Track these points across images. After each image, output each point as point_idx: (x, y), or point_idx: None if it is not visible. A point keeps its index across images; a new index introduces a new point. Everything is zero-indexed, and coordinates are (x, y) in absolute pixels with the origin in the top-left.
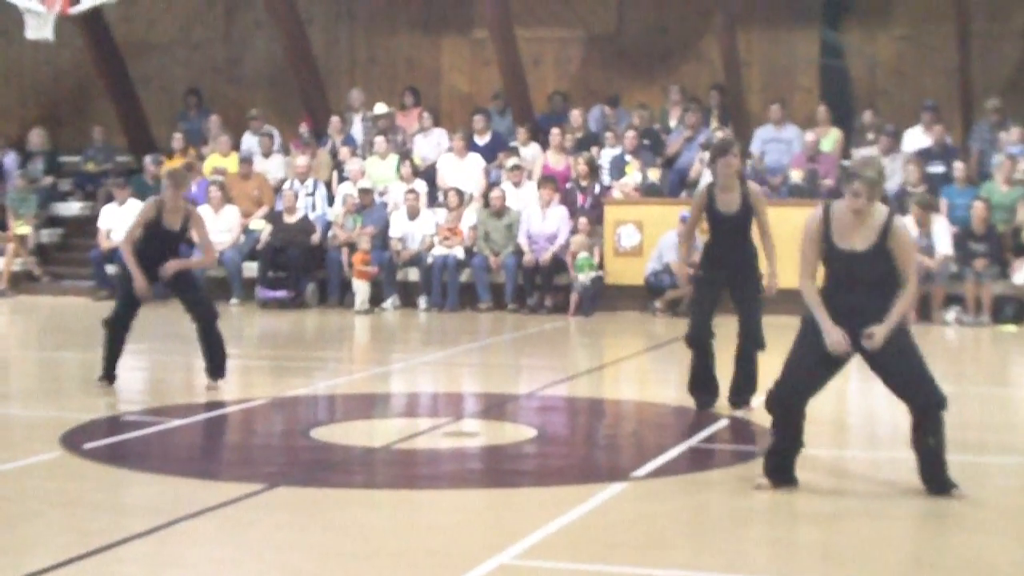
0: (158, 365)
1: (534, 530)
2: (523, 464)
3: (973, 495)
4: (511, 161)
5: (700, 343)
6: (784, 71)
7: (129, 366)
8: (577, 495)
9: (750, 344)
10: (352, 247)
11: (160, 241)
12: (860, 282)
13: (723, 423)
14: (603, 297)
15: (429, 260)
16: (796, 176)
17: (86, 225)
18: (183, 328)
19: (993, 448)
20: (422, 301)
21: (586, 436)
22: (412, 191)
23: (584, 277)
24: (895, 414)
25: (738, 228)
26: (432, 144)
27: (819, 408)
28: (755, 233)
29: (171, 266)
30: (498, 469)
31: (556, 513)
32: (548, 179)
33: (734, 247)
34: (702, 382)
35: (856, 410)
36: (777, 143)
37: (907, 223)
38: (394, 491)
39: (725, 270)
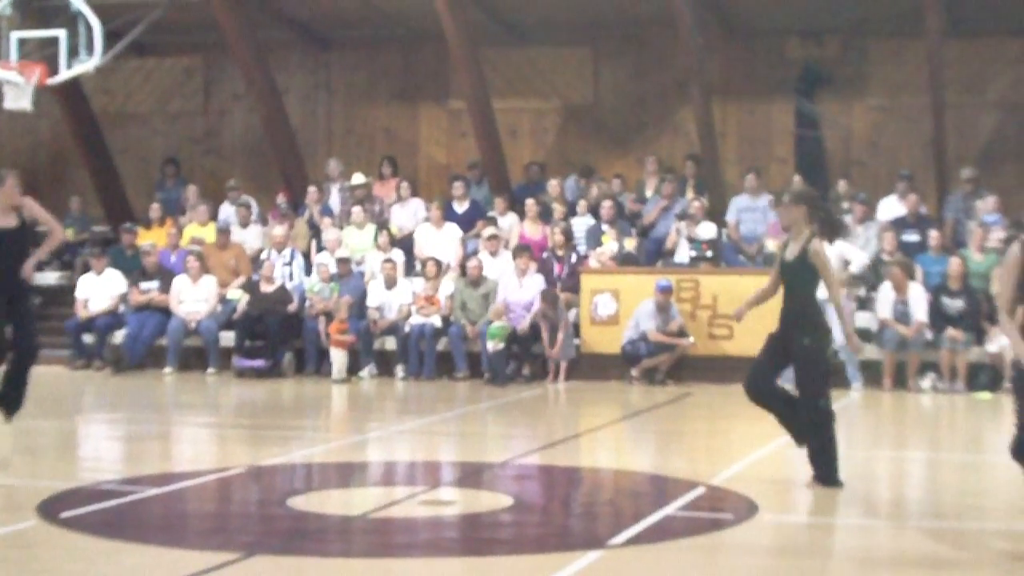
0: (134, 434)
1: None
2: (500, 532)
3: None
4: (488, 231)
5: (749, 394)
6: (760, 142)
7: (106, 435)
8: (554, 563)
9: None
10: (329, 316)
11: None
12: None
13: (699, 491)
14: (579, 366)
15: (406, 329)
16: (772, 245)
17: (63, 295)
18: (158, 398)
19: (971, 514)
20: (399, 370)
21: (563, 504)
22: (389, 260)
23: (492, 345)
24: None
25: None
26: (409, 214)
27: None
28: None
29: (29, 267)
30: (475, 537)
31: None
32: (524, 248)
33: (787, 298)
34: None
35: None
36: (752, 212)
37: (884, 289)
38: (371, 560)
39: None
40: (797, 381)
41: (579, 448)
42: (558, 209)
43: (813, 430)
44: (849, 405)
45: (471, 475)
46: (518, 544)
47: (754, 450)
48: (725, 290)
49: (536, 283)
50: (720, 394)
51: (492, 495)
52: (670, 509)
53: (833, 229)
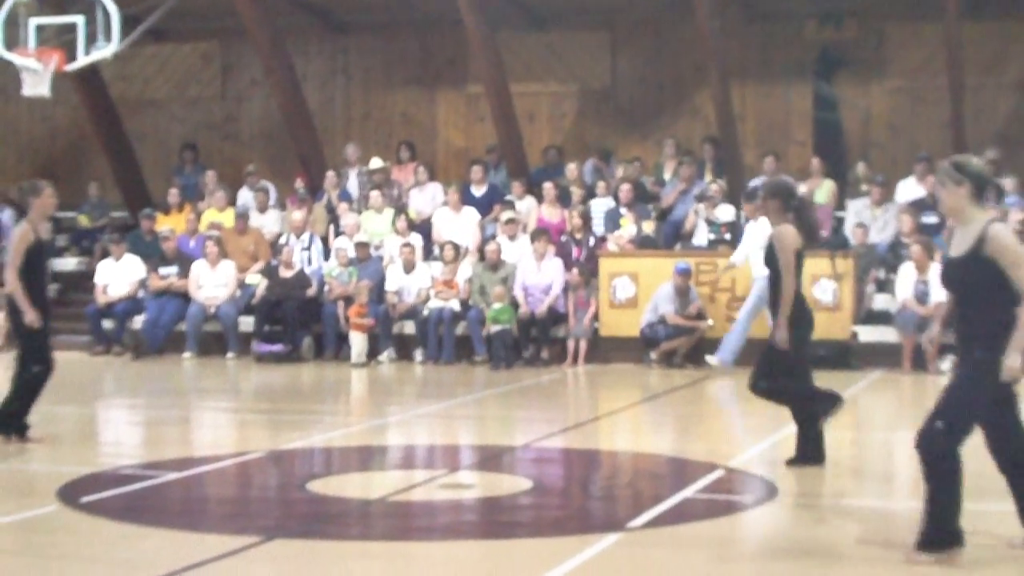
0: (154, 419)
1: None
2: (519, 515)
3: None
4: (506, 214)
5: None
6: (778, 124)
7: (126, 420)
8: (573, 546)
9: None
10: (348, 301)
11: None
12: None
13: (718, 473)
14: (598, 349)
15: (425, 313)
16: None
17: (82, 280)
18: (178, 383)
19: (991, 496)
20: (418, 354)
21: (582, 487)
22: (408, 245)
23: (496, 327)
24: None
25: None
26: (427, 198)
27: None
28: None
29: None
30: (494, 520)
31: (552, 564)
32: (541, 231)
33: (771, 288)
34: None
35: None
36: None
37: (905, 269)
38: (390, 543)
39: None
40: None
41: (598, 431)
42: (576, 192)
43: (796, 413)
44: (868, 387)
45: (490, 458)
46: (537, 527)
47: (773, 432)
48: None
49: (554, 267)
50: (739, 377)
51: (511, 478)
52: (689, 492)
53: (809, 233)
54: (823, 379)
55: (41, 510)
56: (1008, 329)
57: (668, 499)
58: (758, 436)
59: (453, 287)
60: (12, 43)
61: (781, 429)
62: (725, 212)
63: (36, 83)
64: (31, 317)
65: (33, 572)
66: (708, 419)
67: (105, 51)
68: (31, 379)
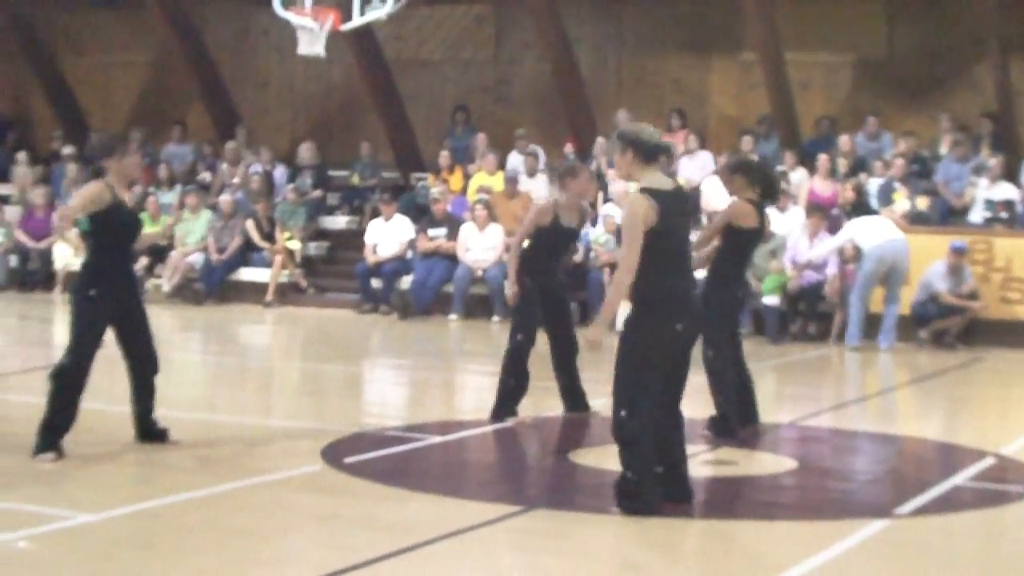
0: (418, 380)
1: (792, 565)
2: (782, 496)
3: None
4: None
5: None
6: None
7: (391, 380)
8: (838, 530)
9: None
10: (614, 268)
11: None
12: None
13: (989, 461)
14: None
15: None
16: None
17: (352, 239)
18: (443, 344)
19: None
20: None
21: (847, 469)
22: None
23: (769, 300)
24: None
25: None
26: (697, 166)
27: None
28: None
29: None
30: (755, 500)
31: (816, 548)
32: (816, 208)
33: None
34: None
35: None
36: None
37: None
38: (646, 519)
39: None
40: None
41: (864, 411)
42: (842, 163)
43: None
44: None
45: (753, 436)
46: (801, 509)
47: None
48: (1020, 253)
49: (827, 242)
50: (1012, 360)
51: (774, 457)
52: (958, 479)
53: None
54: None
55: (305, 469)
56: (652, 294)
57: (936, 486)
58: None
59: None
60: (289, 2)
61: None
62: (1003, 191)
63: (311, 42)
64: (513, 291)
65: (294, 532)
66: (979, 403)
67: (380, 12)
68: (512, 349)
